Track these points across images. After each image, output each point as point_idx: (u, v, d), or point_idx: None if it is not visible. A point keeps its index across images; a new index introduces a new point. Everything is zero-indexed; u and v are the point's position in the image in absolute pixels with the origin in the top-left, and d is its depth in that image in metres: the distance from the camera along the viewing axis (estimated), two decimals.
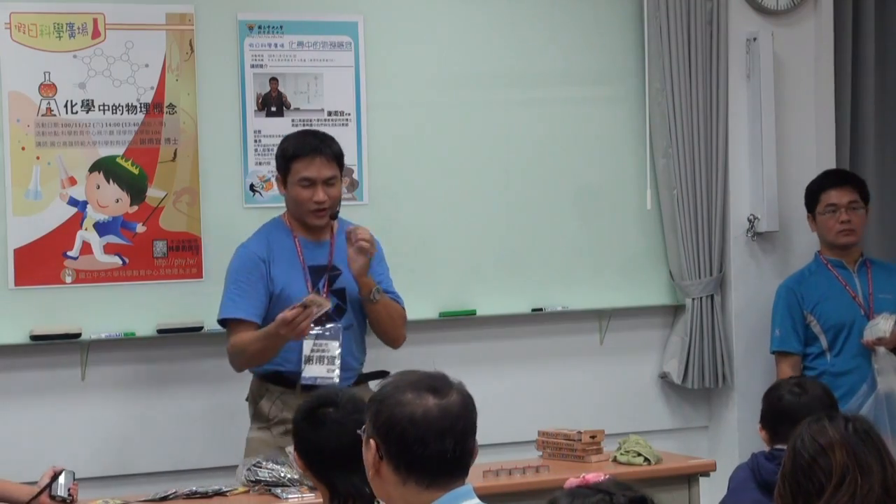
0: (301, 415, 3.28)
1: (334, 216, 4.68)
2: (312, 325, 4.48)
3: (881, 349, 5.22)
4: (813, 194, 5.45)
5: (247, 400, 4.80)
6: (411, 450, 2.49)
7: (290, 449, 4.21)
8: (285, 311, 4.41)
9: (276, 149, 4.80)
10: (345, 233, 4.63)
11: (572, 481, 2.38)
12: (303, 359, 4.62)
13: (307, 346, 4.60)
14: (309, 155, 4.61)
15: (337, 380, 4.60)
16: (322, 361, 4.62)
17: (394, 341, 4.79)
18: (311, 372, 4.62)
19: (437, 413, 2.50)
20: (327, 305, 4.47)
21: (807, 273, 5.47)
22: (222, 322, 4.69)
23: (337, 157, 4.66)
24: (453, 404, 2.52)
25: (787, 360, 5.39)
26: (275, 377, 4.68)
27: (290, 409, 4.37)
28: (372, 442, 2.54)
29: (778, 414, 3.97)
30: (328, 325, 4.63)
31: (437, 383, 2.55)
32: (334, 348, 4.62)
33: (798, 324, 5.39)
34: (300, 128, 5.07)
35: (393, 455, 2.51)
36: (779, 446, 3.84)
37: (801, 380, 4.26)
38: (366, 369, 4.80)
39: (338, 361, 4.62)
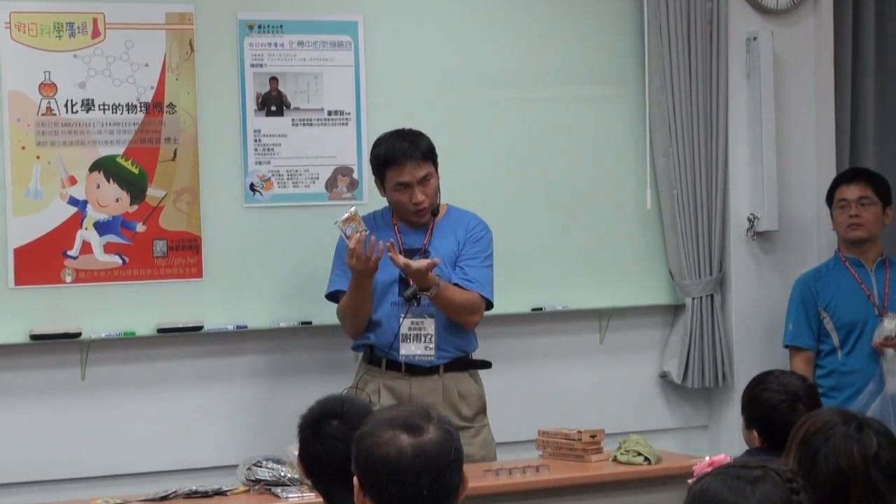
0: (305, 423, 3.25)
1: (435, 212, 4.86)
2: (407, 302, 4.77)
3: (889, 350, 5.21)
4: (830, 191, 5.47)
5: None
6: (387, 489, 2.49)
7: (291, 449, 4.23)
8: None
9: (270, 149, 4.88)
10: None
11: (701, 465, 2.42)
12: (399, 337, 4.79)
13: (405, 324, 4.79)
14: (399, 160, 4.76)
15: (433, 357, 4.81)
16: (419, 339, 4.81)
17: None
18: (408, 350, 4.81)
19: (410, 453, 2.49)
20: (354, 219, 4.65)
21: (824, 269, 5.47)
22: (329, 297, 4.88)
23: (427, 154, 4.81)
24: (428, 443, 2.51)
25: (799, 355, 5.40)
26: (375, 358, 4.86)
27: (392, 392, 4.78)
28: (355, 479, 2.56)
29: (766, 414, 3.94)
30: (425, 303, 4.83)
31: (414, 421, 2.53)
32: (430, 325, 4.81)
33: (812, 319, 5.39)
34: (299, 127, 5.14)
35: (371, 494, 2.52)
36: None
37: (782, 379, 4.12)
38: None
39: (434, 339, 4.80)
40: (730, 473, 2.29)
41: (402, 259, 4.68)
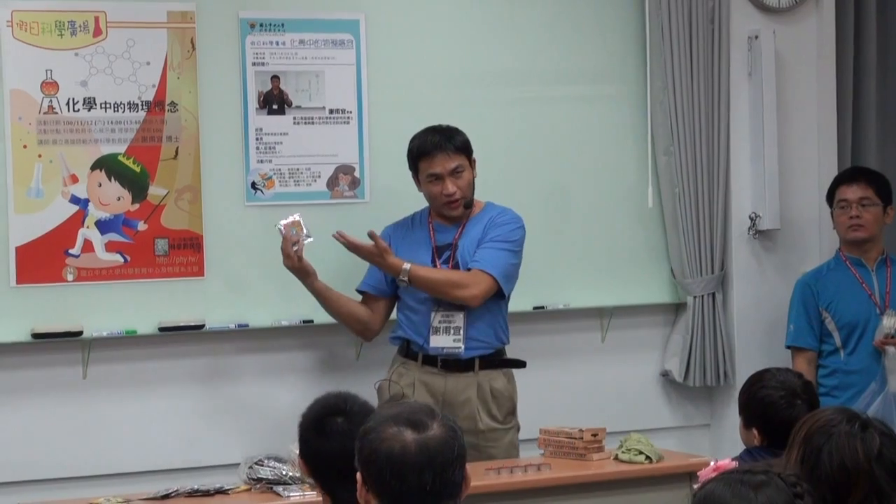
0: (308, 422, 3.25)
1: (468, 205, 4.90)
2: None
3: (890, 349, 5.20)
4: (830, 191, 5.47)
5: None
6: (390, 485, 2.51)
7: (293, 447, 4.22)
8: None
9: (272, 147, 5.07)
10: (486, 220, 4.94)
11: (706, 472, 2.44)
12: (430, 329, 4.84)
13: (436, 318, 4.84)
14: (431, 152, 4.85)
15: (462, 349, 4.84)
16: (448, 332, 4.85)
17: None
18: (437, 342, 4.85)
19: (414, 449, 2.51)
20: (297, 224, 4.70)
21: (825, 269, 5.47)
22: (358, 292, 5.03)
23: (460, 147, 4.88)
24: (432, 439, 2.53)
25: (801, 356, 5.39)
26: (411, 352, 4.90)
27: (427, 386, 4.85)
28: (359, 475, 2.58)
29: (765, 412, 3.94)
30: None
31: (418, 417, 2.56)
32: (459, 319, 4.85)
33: (813, 319, 5.39)
34: (301, 125, 5.17)
35: (375, 489, 2.54)
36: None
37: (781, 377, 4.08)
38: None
39: (462, 332, 4.84)
40: (734, 478, 2.30)
41: (353, 238, 4.76)
